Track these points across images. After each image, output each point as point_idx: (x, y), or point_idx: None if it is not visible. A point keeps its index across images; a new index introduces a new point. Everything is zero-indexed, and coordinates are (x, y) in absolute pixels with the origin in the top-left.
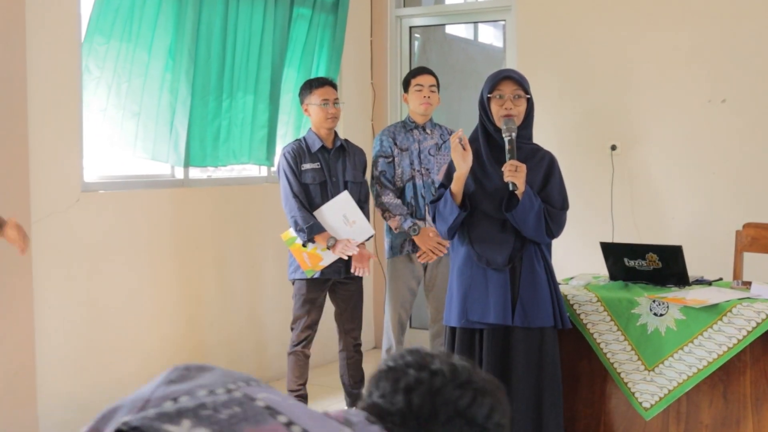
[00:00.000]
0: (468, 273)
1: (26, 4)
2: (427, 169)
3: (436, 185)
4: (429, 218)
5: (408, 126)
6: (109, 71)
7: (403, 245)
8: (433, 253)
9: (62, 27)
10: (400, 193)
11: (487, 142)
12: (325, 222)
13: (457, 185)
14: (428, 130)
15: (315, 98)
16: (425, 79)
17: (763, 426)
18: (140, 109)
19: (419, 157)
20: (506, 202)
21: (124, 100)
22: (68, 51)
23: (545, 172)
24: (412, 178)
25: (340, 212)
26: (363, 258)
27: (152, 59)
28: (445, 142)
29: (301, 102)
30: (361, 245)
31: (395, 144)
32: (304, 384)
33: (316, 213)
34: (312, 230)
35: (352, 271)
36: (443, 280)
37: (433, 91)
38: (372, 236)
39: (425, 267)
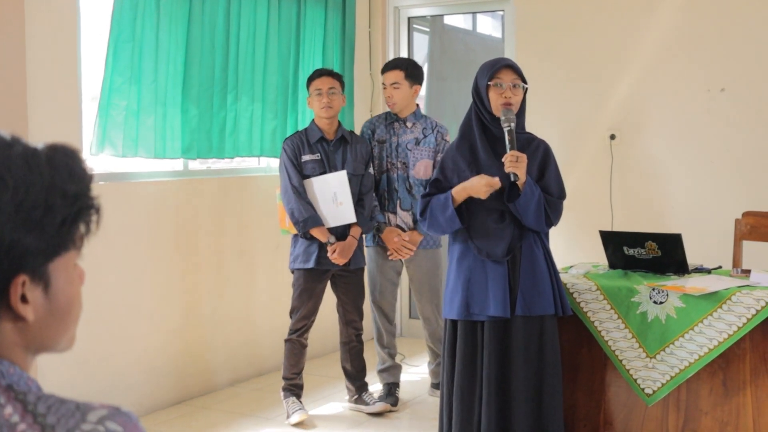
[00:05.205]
0: (467, 265)
1: None
2: (404, 163)
3: (412, 180)
4: (400, 212)
5: (389, 119)
6: (128, 69)
7: (375, 236)
8: (399, 253)
9: (61, 19)
10: (376, 185)
11: (483, 132)
12: (312, 193)
13: (461, 198)
14: (408, 124)
15: (311, 89)
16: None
17: (763, 413)
18: (144, 103)
19: (396, 150)
20: (507, 192)
21: (128, 94)
22: (67, 43)
23: (541, 161)
24: (387, 170)
25: (332, 189)
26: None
27: (157, 53)
28: (426, 137)
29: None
30: (351, 240)
31: (373, 136)
32: (298, 373)
33: (306, 182)
34: (307, 223)
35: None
36: (422, 273)
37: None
38: (353, 224)
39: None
